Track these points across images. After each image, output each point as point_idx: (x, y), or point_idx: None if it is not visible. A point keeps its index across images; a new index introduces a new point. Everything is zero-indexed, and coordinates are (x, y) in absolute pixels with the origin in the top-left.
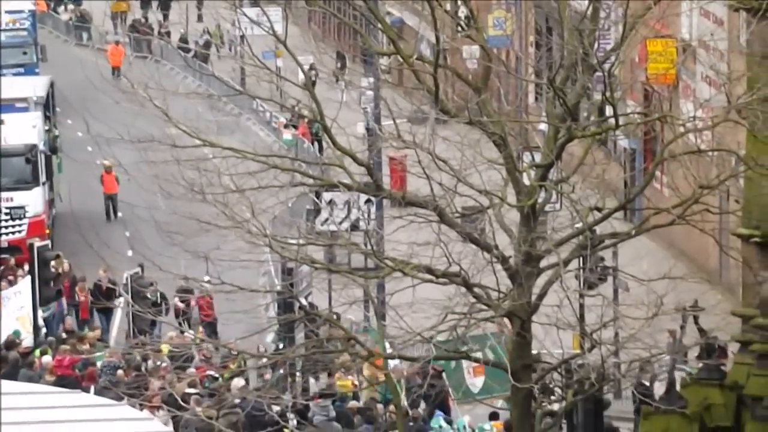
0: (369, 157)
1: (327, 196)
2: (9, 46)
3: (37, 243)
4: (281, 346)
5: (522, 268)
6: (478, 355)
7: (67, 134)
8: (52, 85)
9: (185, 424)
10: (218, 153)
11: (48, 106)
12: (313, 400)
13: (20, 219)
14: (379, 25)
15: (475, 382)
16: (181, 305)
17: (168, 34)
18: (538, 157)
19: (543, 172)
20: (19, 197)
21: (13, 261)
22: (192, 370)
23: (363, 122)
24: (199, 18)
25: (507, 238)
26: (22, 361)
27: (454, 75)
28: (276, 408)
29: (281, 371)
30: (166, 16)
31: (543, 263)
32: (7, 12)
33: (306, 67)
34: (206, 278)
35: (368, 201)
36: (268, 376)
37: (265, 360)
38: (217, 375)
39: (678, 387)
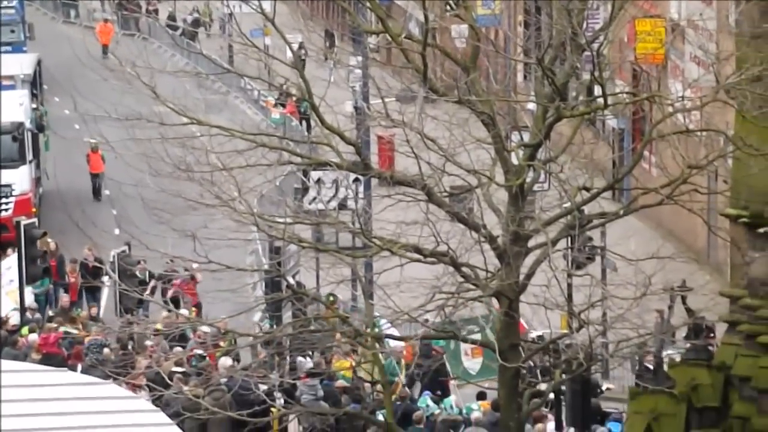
0: (357, 136)
1: (315, 174)
2: None
3: (24, 221)
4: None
5: (510, 248)
6: (477, 336)
7: (55, 112)
8: (39, 62)
9: (171, 403)
10: (206, 131)
11: (35, 84)
12: (300, 379)
13: (7, 197)
14: (368, 4)
15: (473, 364)
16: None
17: (156, 12)
18: (526, 137)
19: (531, 151)
20: (5, 175)
21: None
22: (178, 349)
23: (351, 101)
24: None
25: (495, 218)
26: (9, 339)
27: (443, 54)
28: (263, 387)
29: (267, 351)
30: None
31: (531, 243)
32: None
33: (295, 46)
34: (194, 265)
35: (356, 180)
36: (263, 355)
37: (251, 339)
38: (204, 354)
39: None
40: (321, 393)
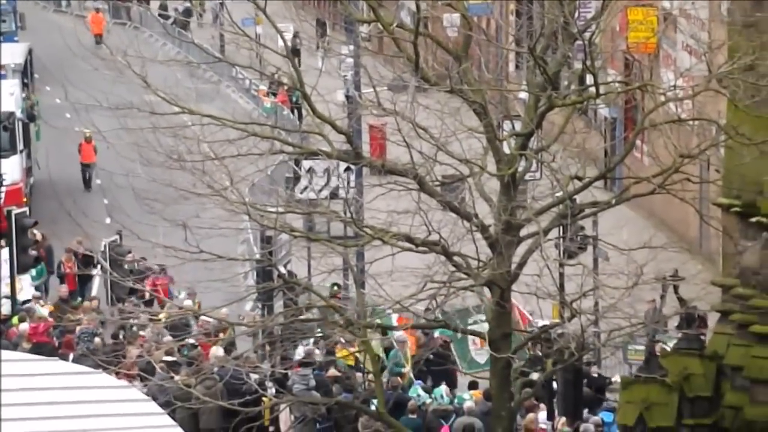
0: (349, 125)
1: (306, 164)
2: None
3: (15, 210)
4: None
5: (502, 237)
6: (476, 327)
7: (46, 101)
8: (30, 52)
9: (162, 393)
10: (197, 120)
11: (26, 73)
12: (292, 369)
13: None
14: None
15: (481, 354)
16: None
17: (147, 1)
18: (518, 126)
19: (523, 140)
20: None
21: None
22: (169, 338)
23: (343, 90)
24: None
25: (487, 207)
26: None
27: (435, 43)
28: (255, 377)
29: (254, 342)
30: None
31: (523, 232)
32: None
33: (288, 35)
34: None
35: (348, 169)
36: (256, 345)
37: (244, 328)
38: (196, 344)
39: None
40: (313, 383)
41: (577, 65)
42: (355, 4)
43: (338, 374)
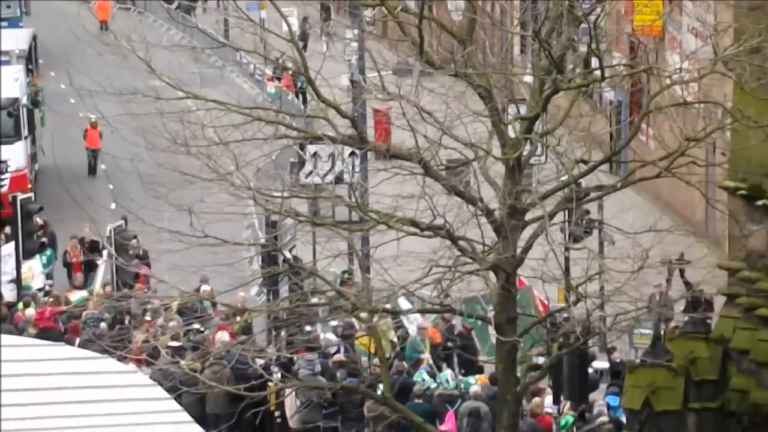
0: (353, 110)
1: (311, 148)
2: None
3: (20, 195)
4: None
5: (507, 221)
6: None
7: (50, 86)
8: (34, 38)
9: (169, 377)
10: (202, 105)
11: (30, 59)
12: (297, 354)
13: (2, 173)
14: None
15: None
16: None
17: None
18: (523, 110)
19: (528, 124)
20: (0, 151)
21: None
22: (173, 323)
23: (347, 74)
24: None
25: (492, 191)
26: (5, 314)
27: (439, 27)
28: (260, 361)
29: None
30: None
31: (528, 216)
32: None
33: (292, 19)
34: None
35: (352, 153)
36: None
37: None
38: (202, 329)
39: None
40: (318, 368)
41: (583, 48)
42: None
43: (344, 359)
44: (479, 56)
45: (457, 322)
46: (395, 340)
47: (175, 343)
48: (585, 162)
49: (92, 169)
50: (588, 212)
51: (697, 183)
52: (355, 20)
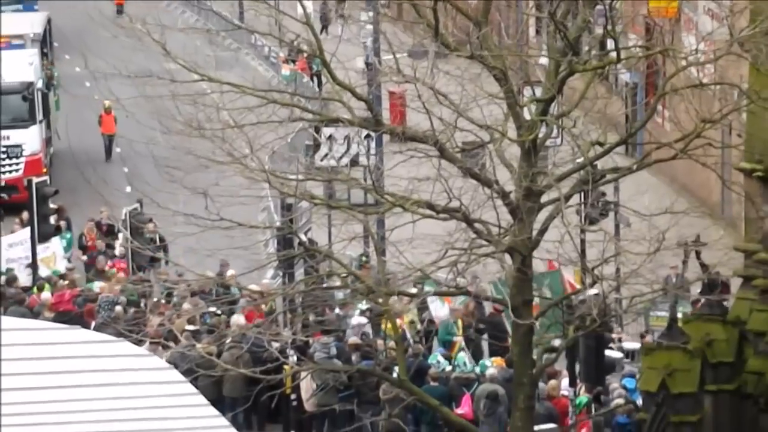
0: (369, 92)
1: (326, 131)
2: None
3: (36, 179)
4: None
5: (523, 204)
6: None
7: (65, 70)
8: (49, 21)
9: (185, 360)
10: (217, 88)
11: (45, 42)
12: (313, 337)
13: (17, 158)
14: None
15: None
16: None
17: None
18: (539, 92)
19: (544, 106)
20: (15, 135)
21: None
22: (187, 306)
23: (363, 57)
24: None
25: (508, 173)
26: (20, 297)
27: (455, 9)
28: (276, 344)
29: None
30: None
31: (544, 198)
32: None
33: (307, 2)
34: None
35: (368, 136)
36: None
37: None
38: (219, 312)
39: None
40: (334, 351)
41: (598, 30)
42: None
43: (359, 342)
44: (495, 38)
45: (488, 303)
46: (419, 326)
47: (191, 327)
48: (601, 144)
49: (108, 154)
50: (604, 194)
51: (713, 165)
52: (370, 2)
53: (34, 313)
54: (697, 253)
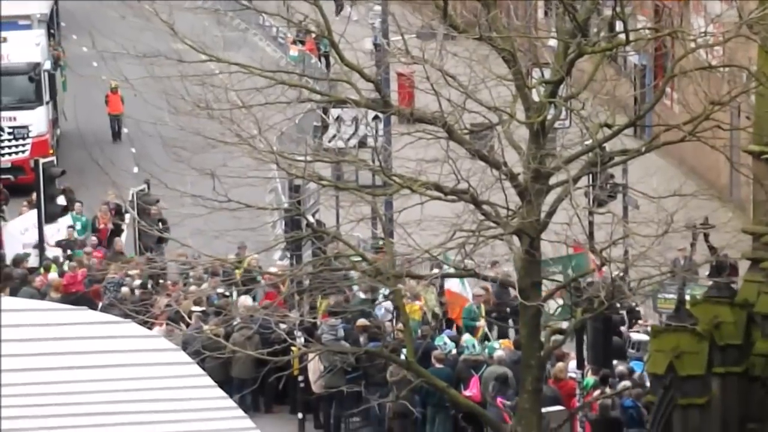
0: (377, 73)
1: (335, 112)
2: None
3: (42, 159)
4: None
5: (531, 186)
6: (559, 277)
7: (73, 49)
8: (56, 1)
9: (193, 341)
10: (225, 68)
11: (52, 22)
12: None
13: (24, 139)
14: None
15: (552, 305)
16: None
17: None
18: (547, 74)
19: (552, 88)
20: (22, 117)
21: None
22: (194, 288)
23: (371, 38)
24: None
25: (516, 155)
26: (27, 278)
27: None
28: (283, 326)
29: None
30: None
31: (552, 180)
32: None
33: None
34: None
35: (376, 117)
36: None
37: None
38: (227, 293)
39: None
40: (341, 333)
41: (607, 12)
42: None
43: (367, 324)
44: (503, 19)
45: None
46: (438, 310)
47: (198, 308)
48: (609, 126)
49: (116, 135)
50: (612, 176)
51: (722, 147)
52: None
53: (41, 294)
54: (706, 236)
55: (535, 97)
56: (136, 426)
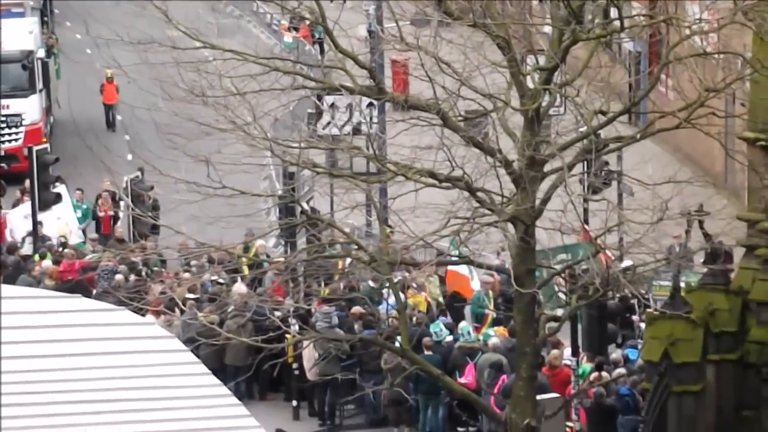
0: (371, 60)
1: (329, 99)
2: None
3: (36, 147)
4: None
5: (526, 173)
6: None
7: (67, 36)
8: None
9: (187, 328)
10: (219, 55)
11: (46, 9)
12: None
13: (17, 127)
14: None
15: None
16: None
17: None
18: (542, 60)
19: (547, 75)
20: (15, 105)
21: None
22: (187, 275)
23: (365, 24)
24: None
25: (511, 142)
26: (24, 265)
27: None
28: (278, 313)
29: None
30: None
31: (547, 167)
32: None
33: None
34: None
35: (370, 104)
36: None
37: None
38: (222, 281)
39: None
40: (336, 320)
41: None
42: None
43: (362, 311)
44: (498, 6)
45: None
46: (441, 299)
47: (192, 296)
48: (604, 113)
49: (110, 124)
50: (607, 163)
51: (717, 134)
52: None
53: (36, 281)
54: (700, 223)
55: (530, 84)
56: (130, 413)
